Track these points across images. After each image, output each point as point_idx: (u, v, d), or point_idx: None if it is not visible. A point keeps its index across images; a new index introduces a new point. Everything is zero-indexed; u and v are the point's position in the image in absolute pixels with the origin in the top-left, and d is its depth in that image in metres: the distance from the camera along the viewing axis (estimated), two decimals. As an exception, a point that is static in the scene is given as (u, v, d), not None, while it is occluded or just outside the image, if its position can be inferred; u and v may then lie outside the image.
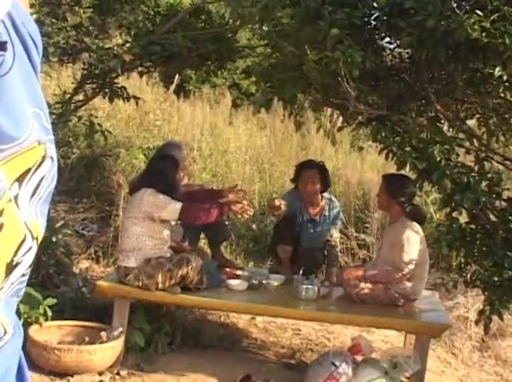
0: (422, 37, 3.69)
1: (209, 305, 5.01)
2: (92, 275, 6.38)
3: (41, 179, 0.81)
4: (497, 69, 3.63)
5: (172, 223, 5.30)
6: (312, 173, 5.63)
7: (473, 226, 4.33)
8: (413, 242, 4.88)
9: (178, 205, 4.69)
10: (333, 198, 5.94)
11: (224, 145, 11.10)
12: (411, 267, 4.86)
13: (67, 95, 5.31)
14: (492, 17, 3.42)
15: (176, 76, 14.91)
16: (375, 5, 4.03)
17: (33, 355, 4.38)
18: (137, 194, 4.79)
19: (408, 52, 4.36)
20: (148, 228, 4.75)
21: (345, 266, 7.42)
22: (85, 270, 6.54)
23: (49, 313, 4.67)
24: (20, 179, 0.77)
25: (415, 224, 4.95)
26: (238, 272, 5.36)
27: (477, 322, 4.46)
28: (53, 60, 5.82)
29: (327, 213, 5.78)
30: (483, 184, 4.17)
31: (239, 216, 6.00)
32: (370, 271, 4.97)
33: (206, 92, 15.52)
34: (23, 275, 0.82)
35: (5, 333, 0.82)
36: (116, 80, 5.41)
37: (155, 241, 4.79)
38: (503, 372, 5.73)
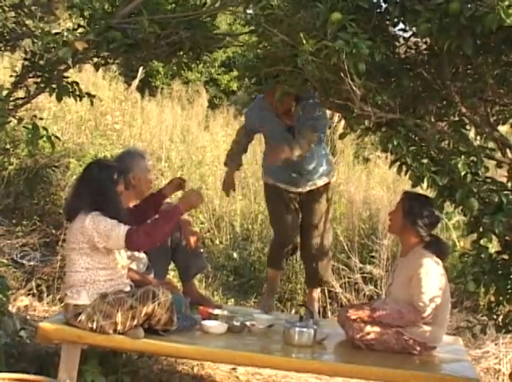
0: (444, 24, 3.69)
1: (179, 353, 4.96)
2: (33, 316, 6.32)
3: None
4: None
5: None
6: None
7: (506, 256, 4.33)
8: (434, 276, 4.88)
9: (122, 232, 4.60)
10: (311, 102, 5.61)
11: (199, 154, 11.10)
12: (432, 307, 4.85)
13: (5, 92, 5.27)
14: (531, 0, 3.44)
15: (140, 70, 14.95)
16: (386, -17, 4.05)
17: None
18: (76, 221, 4.73)
19: (426, 42, 4.36)
20: (99, 258, 4.70)
21: (347, 304, 7.42)
22: (24, 308, 6.48)
23: (-22, 363, 4.63)
24: None
25: (433, 255, 4.96)
26: (216, 311, 5.34)
27: (511, 376, 4.45)
28: (-14, 48, 5.78)
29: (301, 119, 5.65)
30: (519, 204, 4.17)
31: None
32: (379, 312, 4.96)
33: (177, 89, 15.57)
34: None
35: None
36: (66, 74, 5.39)
37: (109, 272, 4.74)
38: None
